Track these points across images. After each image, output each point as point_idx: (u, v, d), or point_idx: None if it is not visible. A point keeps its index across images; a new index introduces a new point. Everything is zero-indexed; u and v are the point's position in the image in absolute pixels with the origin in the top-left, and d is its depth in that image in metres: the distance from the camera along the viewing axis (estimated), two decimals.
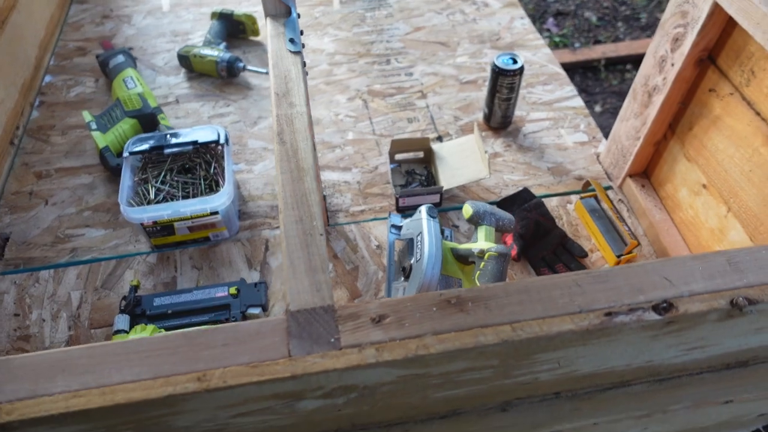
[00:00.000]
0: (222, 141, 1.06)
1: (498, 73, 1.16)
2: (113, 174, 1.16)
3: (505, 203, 1.10)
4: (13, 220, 1.12)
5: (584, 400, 0.59)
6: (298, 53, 0.67)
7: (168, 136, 1.06)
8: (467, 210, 0.88)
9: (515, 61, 1.16)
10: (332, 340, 0.43)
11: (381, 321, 0.44)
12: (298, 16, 0.77)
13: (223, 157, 1.08)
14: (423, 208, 0.88)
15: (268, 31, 0.71)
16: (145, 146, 1.05)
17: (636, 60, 2.50)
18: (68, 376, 0.42)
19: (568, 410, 0.61)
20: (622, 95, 2.39)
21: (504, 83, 1.16)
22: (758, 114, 0.81)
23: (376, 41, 1.51)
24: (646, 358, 0.52)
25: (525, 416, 0.60)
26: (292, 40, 0.68)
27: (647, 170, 1.11)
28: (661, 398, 0.63)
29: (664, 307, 0.45)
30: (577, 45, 2.61)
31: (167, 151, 1.05)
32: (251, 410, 0.45)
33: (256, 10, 1.60)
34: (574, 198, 1.13)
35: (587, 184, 1.13)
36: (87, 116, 1.20)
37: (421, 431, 0.57)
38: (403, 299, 0.46)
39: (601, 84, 2.47)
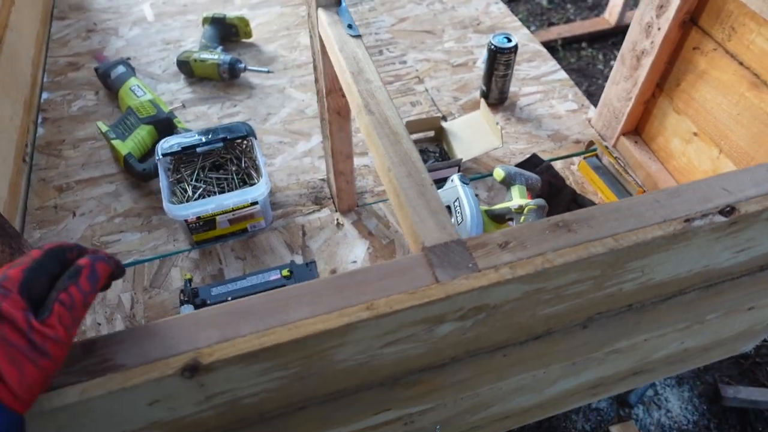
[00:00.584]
0: (249, 134, 1.11)
1: (495, 51, 1.25)
2: (140, 179, 1.18)
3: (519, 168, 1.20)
4: (43, 234, 1.13)
5: (647, 312, 0.69)
6: (358, 36, 0.73)
7: (197, 135, 1.10)
8: (498, 173, 0.96)
9: (509, 40, 1.26)
10: (470, 265, 0.51)
11: (506, 246, 0.52)
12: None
13: (250, 151, 1.13)
14: (455, 177, 0.96)
15: (321, 20, 0.77)
16: (176, 147, 1.08)
17: (589, 38, 2.67)
18: (252, 320, 0.47)
19: (631, 324, 0.71)
20: (581, 71, 2.55)
21: (501, 60, 1.26)
22: (741, 63, 0.94)
23: (365, 34, 1.58)
24: (705, 262, 0.61)
25: (598, 333, 0.69)
26: (350, 26, 0.74)
27: (638, 128, 1.23)
28: (705, 306, 0.74)
29: (728, 210, 0.54)
30: (532, 28, 2.76)
31: (199, 149, 1.08)
32: (399, 338, 0.52)
33: (243, 13, 1.63)
34: (576, 159, 1.24)
35: (590, 143, 1.24)
36: (102, 126, 1.21)
37: (518, 353, 0.65)
38: (519, 227, 0.54)
39: (560, 63, 2.62)
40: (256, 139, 1.11)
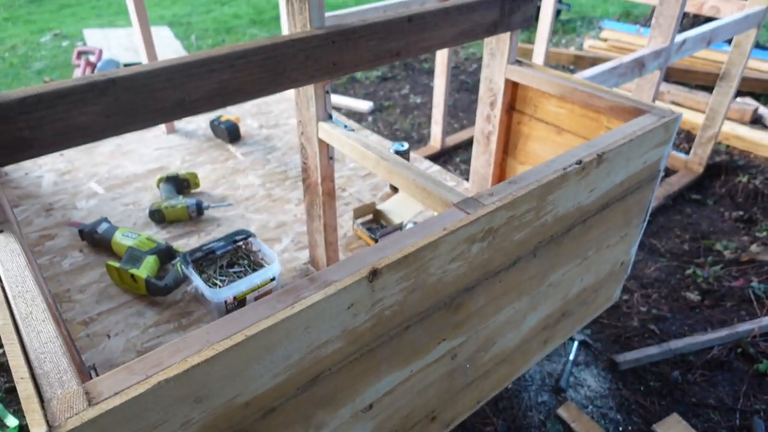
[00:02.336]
0: (250, 235, 1.46)
1: (395, 153, 1.81)
2: (162, 293, 1.43)
3: None
4: (87, 358, 1.30)
5: (561, 244, 1.19)
6: (353, 131, 1.21)
7: (212, 244, 1.42)
8: None
9: (403, 146, 1.84)
10: (486, 204, 0.96)
11: (494, 194, 0.99)
12: None
13: (254, 246, 1.47)
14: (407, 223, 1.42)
15: (323, 128, 1.24)
16: (200, 253, 1.39)
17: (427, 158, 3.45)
18: (393, 246, 0.87)
19: (554, 256, 1.20)
20: None
21: None
22: (547, 123, 1.60)
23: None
24: (578, 199, 1.15)
25: (542, 262, 1.17)
26: (345, 126, 1.21)
27: (500, 181, 1.84)
28: (585, 242, 1.27)
29: (579, 162, 1.09)
30: None
31: (219, 251, 1.40)
32: (455, 255, 0.94)
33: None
34: None
35: None
36: (114, 264, 1.46)
37: (507, 278, 1.09)
38: (495, 188, 1.02)
39: None
40: (255, 237, 1.47)
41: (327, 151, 1.30)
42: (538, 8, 2.39)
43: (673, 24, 2.07)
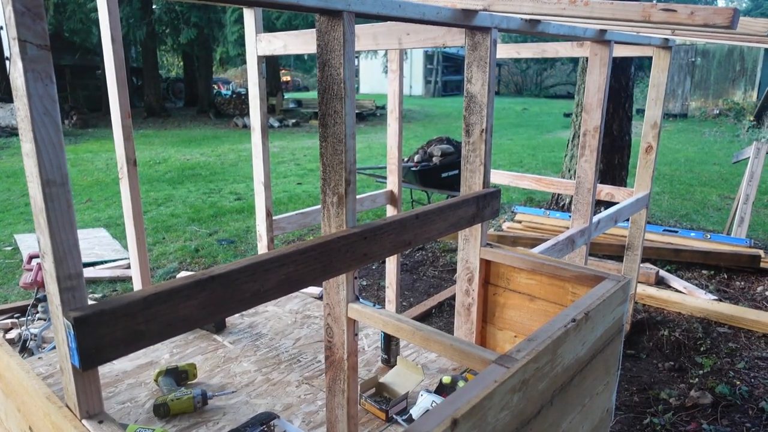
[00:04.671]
0: (275, 416, 1.52)
1: None
2: None
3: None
4: None
5: (567, 393, 1.39)
6: (382, 308, 1.40)
7: (243, 428, 1.46)
8: (447, 378, 1.62)
9: None
10: (518, 359, 1.17)
11: (519, 350, 1.21)
12: None
13: (279, 426, 1.52)
14: (424, 392, 1.58)
15: (353, 309, 1.42)
16: None
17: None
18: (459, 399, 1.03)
19: (564, 405, 1.39)
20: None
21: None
22: (520, 293, 1.90)
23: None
24: (576, 352, 1.38)
25: (557, 409, 1.35)
26: (374, 304, 1.41)
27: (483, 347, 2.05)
28: (583, 390, 1.47)
29: (573, 320, 1.35)
30: None
31: None
32: (504, 404, 1.11)
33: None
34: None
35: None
36: (133, 427, 1.44)
37: (533, 426, 1.26)
38: (522, 344, 1.24)
39: None
40: (279, 417, 1.53)
41: (353, 329, 1.48)
42: None
43: (589, 209, 2.59)
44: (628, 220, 3.41)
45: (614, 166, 5.37)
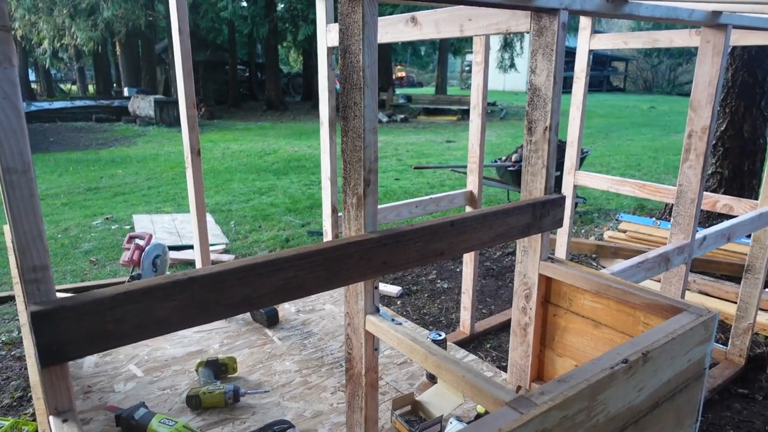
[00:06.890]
0: (291, 425, 1.44)
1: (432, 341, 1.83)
2: None
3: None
4: None
5: None
6: (400, 324, 1.26)
7: None
8: (480, 408, 1.43)
9: (440, 335, 1.87)
10: (538, 403, 0.97)
11: (543, 392, 1.00)
12: None
13: None
14: (453, 420, 1.40)
15: (371, 321, 1.29)
16: None
17: (457, 344, 3.43)
18: None
19: None
20: None
21: None
22: (583, 317, 1.64)
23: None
24: (628, 399, 1.14)
25: None
26: (393, 320, 1.27)
27: (539, 374, 1.82)
28: None
29: (624, 361, 1.11)
30: None
31: None
32: None
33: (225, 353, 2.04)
34: None
35: (518, 387, 1.77)
36: None
37: None
38: (540, 389, 1.03)
39: None
40: (295, 427, 1.44)
41: (373, 343, 1.34)
42: None
43: (691, 222, 2.21)
44: (749, 236, 2.91)
45: (743, 173, 4.67)
